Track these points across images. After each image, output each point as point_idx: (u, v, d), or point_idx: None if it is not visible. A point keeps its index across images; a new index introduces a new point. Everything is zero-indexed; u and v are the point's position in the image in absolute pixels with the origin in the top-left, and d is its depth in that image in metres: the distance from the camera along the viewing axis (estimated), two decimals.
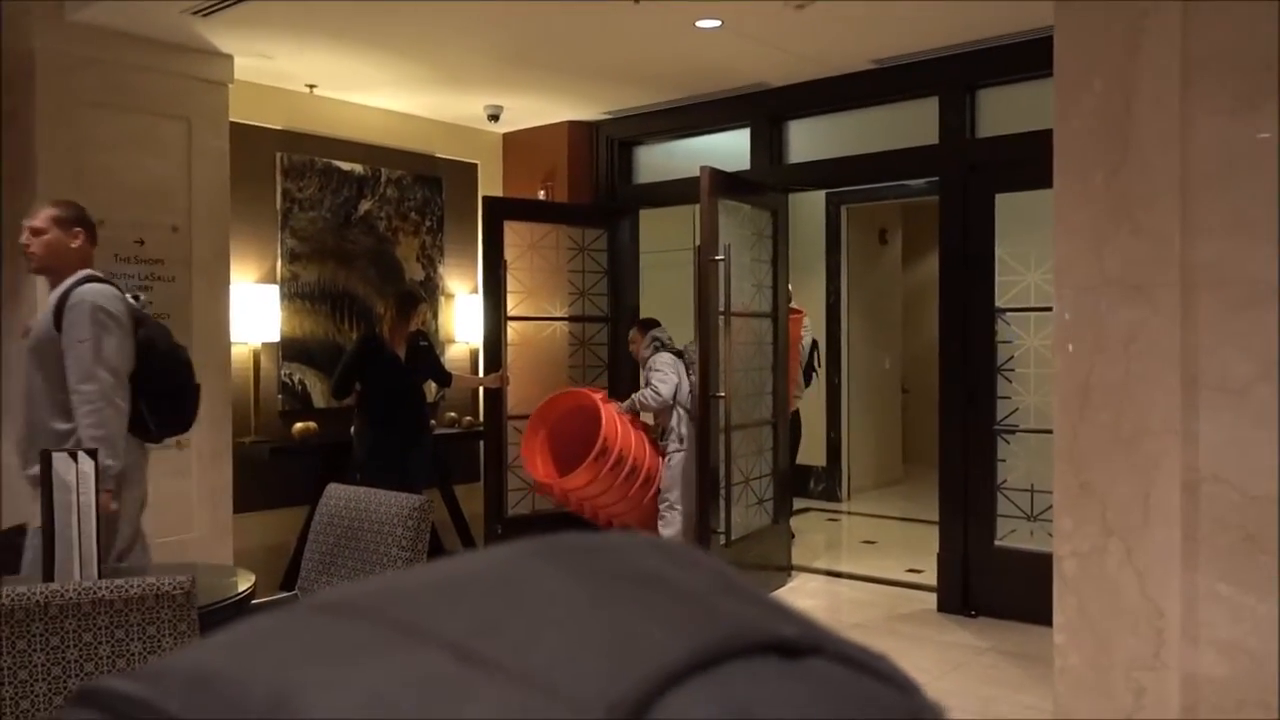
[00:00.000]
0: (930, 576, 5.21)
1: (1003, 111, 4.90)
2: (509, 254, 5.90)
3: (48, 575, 2.56)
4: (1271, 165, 2.24)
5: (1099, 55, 2.44)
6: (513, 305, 5.89)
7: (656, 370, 5.42)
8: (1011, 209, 4.80)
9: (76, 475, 2.62)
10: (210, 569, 3.47)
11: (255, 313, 5.26)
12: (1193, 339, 2.31)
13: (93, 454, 2.66)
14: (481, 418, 6.08)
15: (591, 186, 6.37)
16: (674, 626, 0.27)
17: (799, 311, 6.22)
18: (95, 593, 2.00)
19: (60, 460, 2.58)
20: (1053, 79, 2.57)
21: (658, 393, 5.36)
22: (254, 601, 2.91)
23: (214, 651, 0.28)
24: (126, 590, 2.01)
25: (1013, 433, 4.84)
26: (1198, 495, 2.30)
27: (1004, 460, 4.87)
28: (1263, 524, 2.21)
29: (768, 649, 0.27)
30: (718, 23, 4.43)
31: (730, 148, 5.81)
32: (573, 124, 6.28)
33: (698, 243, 5.17)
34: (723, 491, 5.04)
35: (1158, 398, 2.35)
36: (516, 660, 0.25)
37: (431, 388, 5.51)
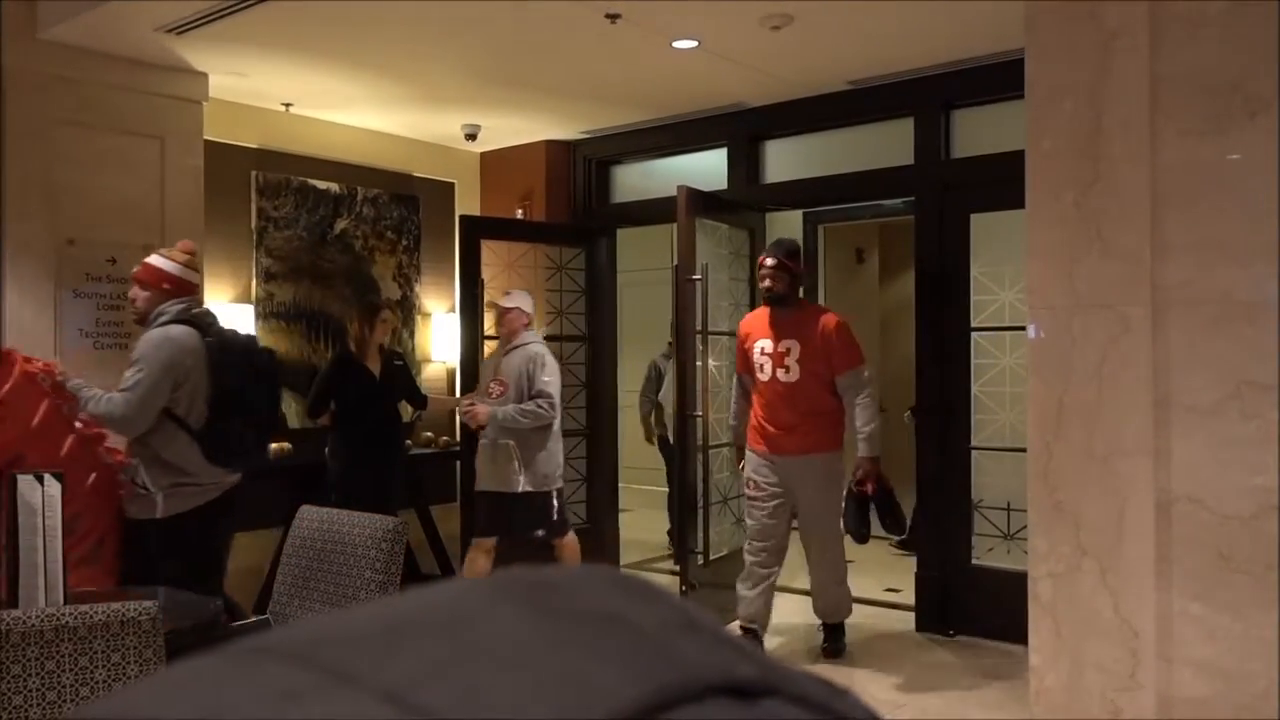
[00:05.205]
0: (909, 596, 5.21)
1: (977, 132, 4.95)
2: (486, 273, 5.89)
3: (11, 601, 2.51)
4: (1241, 185, 2.26)
5: (1069, 76, 2.47)
6: (490, 324, 5.87)
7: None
8: (986, 229, 4.84)
9: (42, 498, 2.57)
10: (180, 592, 3.41)
11: None
12: (1165, 358, 2.32)
13: (59, 478, 2.62)
14: (458, 437, 6.05)
15: (569, 206, 6.38)
16: (627, 669, 0.26)
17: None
18: (58, 619, 1.96)
19: (25, 482, 2.54)
20: (1024, 100, 2.60)
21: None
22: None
23: (139, 696, 0.27)
24: (91, 616, 1.97)
25: (989, 451, 4.86)
26: (1171, 515, 2.31)
27: (980, 479, 4.89)
28: (1235, 543, 2.22)
29: (723, 692, 0.26)
30: (695, 43, 4.45)
31: (707, 167, 5.83)
32: (550, 143, 6.29)
33: (675, 262, 5.18)
34: (700, 511, 5.03)
35: (1130, 417, 2.36)
36: (458, 708, 0.24)
37: (407, 407, 5.48)
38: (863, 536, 4.39)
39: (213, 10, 3.97)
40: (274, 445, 5.36)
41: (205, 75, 4.81)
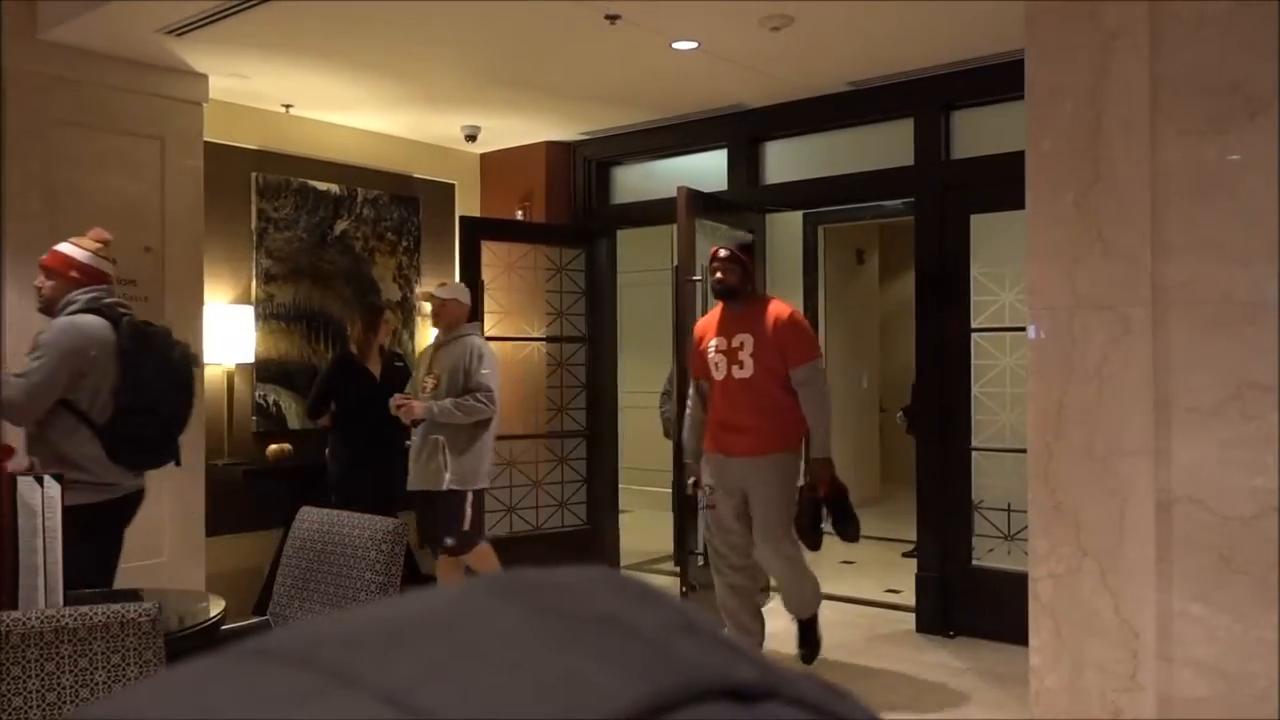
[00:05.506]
0: (909, 597, 5.21)
1: (977, 133, 4.95)
2: (486, 274, 5.89)
3: (10, 602, 2.51)
4: (1241, 186, 2.26)
5: (1069, 77, 2.47)
6: (490, 325, 5.88)
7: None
8: (986, 230, 4.84)
9: (42, 499, 2.57)
10: (180, 594, 3.42)
11: (230, 333, 5.21)
12: (1165, 359, 2.32)
13: (59, 479, 2.62)
14: None
15: (569, 207, 6.38)
16: (626, 671, 0.26)
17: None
18: (58, 620, 1.95)
19: (25, 484, 2.54)
20: (1024, 100, 2.60)
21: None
22: (225, 627, 2.87)
23: (139, 698, 0.27)
24: (90, 618, 1.97)
25: (989, 452, 4.86)
26: (1171, 516, 2.30)
27: (980, 480, 4.89)
28: (1235, 544, 2.22)
29: (722, 694, 0.26)
30: (694, 44, 4.45)
31: (707, 168, 5.83)
32: (550, 144, 6.29)
33: (675, 263, 5.18)
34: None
35: (1131, 418, 2.36)
36: (458, 709, 0.24)
37: None
38: (814, 541, 4.10)
39: (213, 11, 3.98)
40: (274, 446, 5.37)
41: (205, 76, 4.81)
